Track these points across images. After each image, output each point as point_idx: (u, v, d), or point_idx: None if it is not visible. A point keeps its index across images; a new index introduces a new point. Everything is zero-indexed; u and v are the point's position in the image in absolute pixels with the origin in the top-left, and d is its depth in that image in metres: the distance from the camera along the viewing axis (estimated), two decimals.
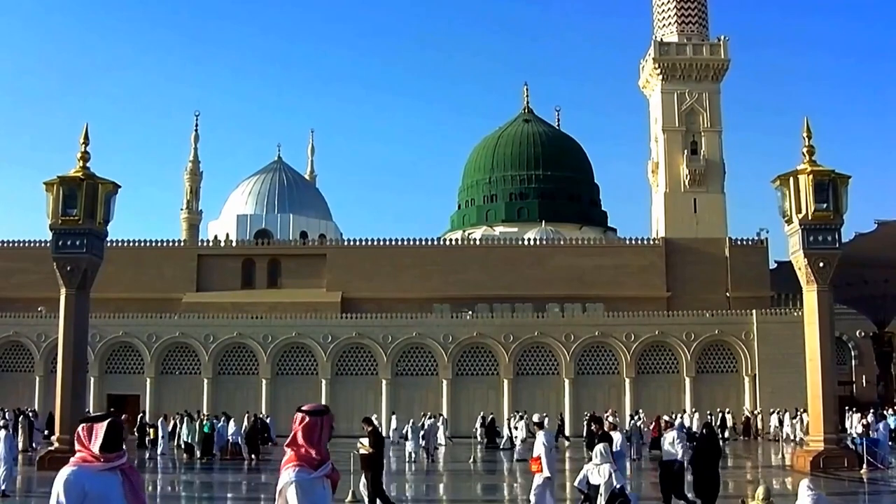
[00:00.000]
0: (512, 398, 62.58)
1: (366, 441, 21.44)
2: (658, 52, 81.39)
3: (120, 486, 6.23)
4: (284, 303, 68.85)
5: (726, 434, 54.30)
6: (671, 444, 21.09)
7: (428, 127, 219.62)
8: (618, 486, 18.40)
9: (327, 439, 6.55)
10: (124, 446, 6.41)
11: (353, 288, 72.47)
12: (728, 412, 58.83)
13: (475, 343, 64.32)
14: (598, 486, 18.91)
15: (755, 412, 60.89)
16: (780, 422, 56.63)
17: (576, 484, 20.31)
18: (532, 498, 18.96)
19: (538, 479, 18.95)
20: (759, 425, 60.47)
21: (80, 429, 6.27)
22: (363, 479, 21.13)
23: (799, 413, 52.39)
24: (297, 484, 6.29)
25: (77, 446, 6.27)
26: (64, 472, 6.14)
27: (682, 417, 50.67)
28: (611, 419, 22.77)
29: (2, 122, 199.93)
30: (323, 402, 61.25)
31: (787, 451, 47.38)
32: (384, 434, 42.81)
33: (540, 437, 19.49)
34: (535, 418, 20.33)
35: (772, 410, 58.80)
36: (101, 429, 6.21)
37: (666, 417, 37.58)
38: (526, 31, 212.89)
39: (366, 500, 20.92)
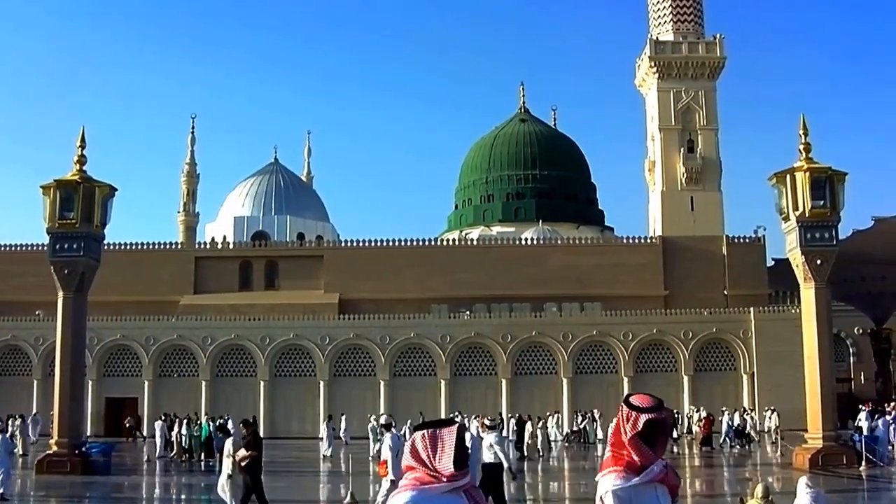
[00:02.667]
0: (510, 398, 62.60)
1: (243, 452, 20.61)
2: (654, 50, 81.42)
3: None
4: (282, 304, 68.77)
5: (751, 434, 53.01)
6: (489, 447, 19.68)
7: (424, 127, 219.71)
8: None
9: (664, 439, 5.66)
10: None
11: (350, 289, 72.43)
12: (748, 412, 57.46)
13: (473, 343, 64.33)
14: None
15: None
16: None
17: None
18: (379, 501, 18.88)
19: (385, 483, 18.85)
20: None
21: (416, 438, 5.00)
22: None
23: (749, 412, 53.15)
24: (614, 493, 5.45)
25: (411, 461, 4.98)
26: (401, 500, 4.86)
27: (730, 415, 51.05)
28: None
29: None
30: (322, 404, 61.41)
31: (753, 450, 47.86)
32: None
33: (386, 439, 19.33)
34: (383, 420, 20.01)
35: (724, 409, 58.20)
36: (448, 438, 4.94)
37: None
38: (522, 31, 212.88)
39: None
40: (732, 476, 36.33)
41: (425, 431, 4.96)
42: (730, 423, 50.34)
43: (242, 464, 19.94)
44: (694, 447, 48.74)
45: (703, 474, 37.68)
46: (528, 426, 44.24)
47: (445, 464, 4.85)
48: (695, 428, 54.77)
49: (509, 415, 53.61)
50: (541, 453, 42.86)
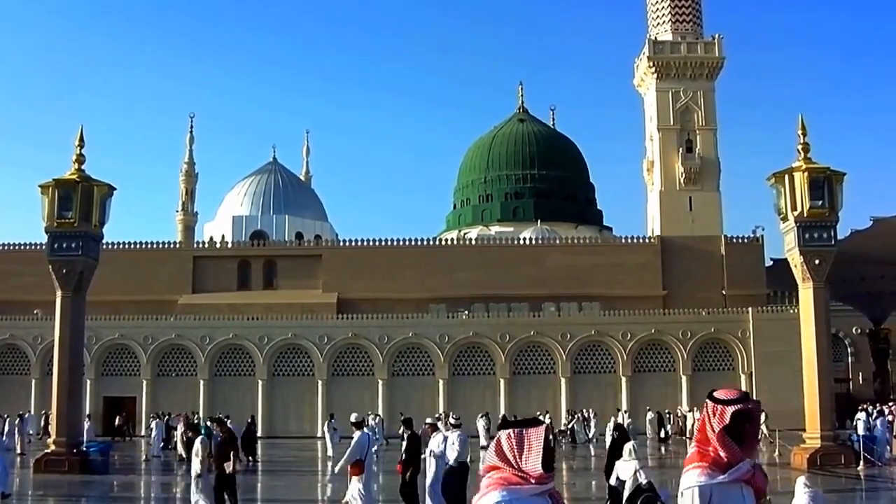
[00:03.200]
0: (508, 398, 62.60)
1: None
2: (652, 50, 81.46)
3: None
4: (280, 304, 68.77)
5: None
6: (451, 445, 19.61)
7: (423, 127, 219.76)
8: (645, 482, 18.26)
9: (753, 435, 5.36)
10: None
11: (348, 288, 72.43)
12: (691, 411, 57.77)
13: (471, 343, 64.32)
14: (624, 482, 18.84)
15: (690, 411, 60.41)
16: None
17: (610, 482, 20.15)
18: (349, 499, 18.87)
19: (355, 481, 18.86)
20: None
21: (501, 437, 4.86)
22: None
23: None
24: (697, 490, 5.24)
25: (496, 460, 4.81)
26: (490, 500, 4.71)
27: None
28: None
29: None
30: (320, 404, 61.42)
31: None
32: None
33: (355, 437, 19.35)
34: (353, 418, 19.92)
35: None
36: (535, 438, 4.79)
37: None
38: (521, 31, 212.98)
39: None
40: None
41: (511, 431, 4.83)
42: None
43: (230, 470, 19.88)
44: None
45: None
46: None
47: (534, 465, 4.73)
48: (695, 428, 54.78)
49: (489, 413, 53.48)
50: None
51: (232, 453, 19.98)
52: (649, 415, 57.65)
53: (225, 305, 69.01)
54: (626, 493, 18.37)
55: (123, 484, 32.36)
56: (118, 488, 30.86)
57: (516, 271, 72.41)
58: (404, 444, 21.04)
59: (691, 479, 5.26)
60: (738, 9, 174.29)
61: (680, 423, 58.80)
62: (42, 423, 57.03)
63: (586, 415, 57.34)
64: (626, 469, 18.58)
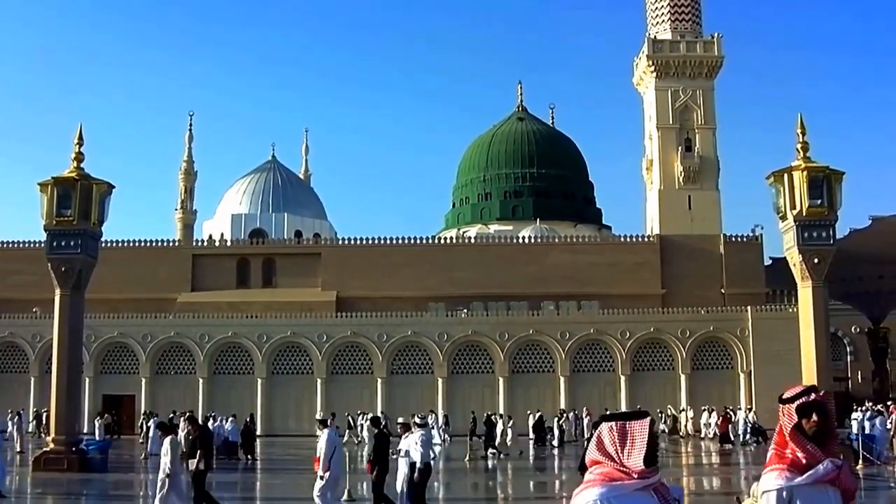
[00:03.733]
0: (508, 396, 62.60)
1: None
2: (652, 49, 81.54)
3: None
4: (279, 302, 68.78)
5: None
6: (413, 447, 19.63)
7: (422, 125, 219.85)
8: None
9: (830, 431, 5.11)
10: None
11: (347, 287, 72.42)
12: (750, 410, 57.48)
13: (470, 341, 64.32)
14: None
15: (682, 411, 60.36)
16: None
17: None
18: (315, 497, 18.91)
19: (318, 481, 18.92)
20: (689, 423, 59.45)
21: (603, 430, 4.65)
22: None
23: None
24: (774, 493, 5.02)
25: (598, 455, 4.62)
26: (590, 496, 4.50)
27: (746, 412, 51.88)
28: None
29: None
30: (319, 402, 61.43)
31: (713, 449, 47.74)
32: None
33: (323, 435, 19.37)
34: (318, 416, 19.93)
35: (703, 408, 58.23)
36: (639, 432, 4.57)
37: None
38: (520, 29, 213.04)
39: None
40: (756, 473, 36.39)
41: (613, 424, 4.60)
42: (747, 419, 50.95)
43: (194, 468, 19.81)
44: (688, 444, 48.75)
45: (722, 471, 37.74)
46: (500, 424, 44.53)
47: (636, 460, 4.51)
48: (703, 427, 55.17)
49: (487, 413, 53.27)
50: (507, 452, 42.76)
51: (199, 452, 19.85)
52: None
53: (224, 304, 69.01)
54: None
55: (122, 482, 32.35)
56: (117, 486, 30.85)
57: (515, 270, 72.41)
58: (371, 443, 21.18)
59: (769, 482, 5.06)
60: (738, 8, 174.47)
61: (669, 423, 58.65)
62: (33, 420, 57.15)
63: (577, 414, 57.08)
64: None
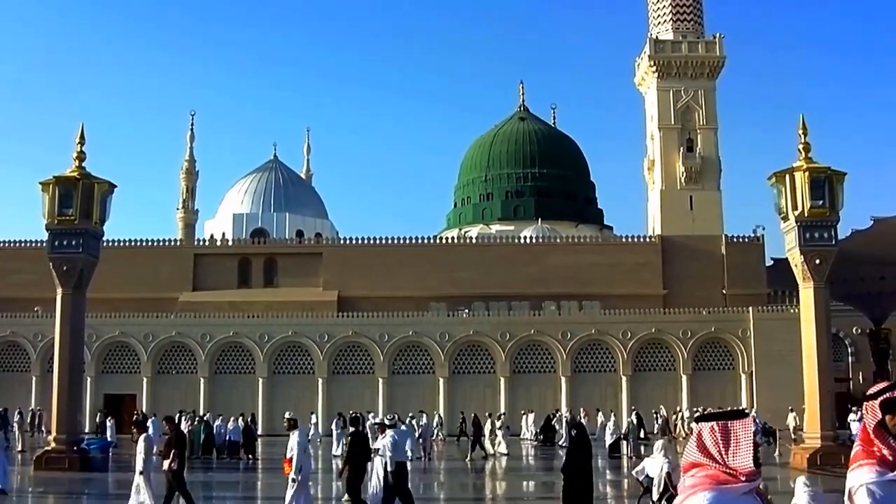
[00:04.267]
0: (509, 396, 62.62)
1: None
2: (653, 49, 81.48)
3: None
4: (281, 302, 68.80)
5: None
6: (384, 447, 19.88)
7: (424, 125, 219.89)
8: (668, 479, 18.17)
9: None
10: None
11: (349, 287, 72.44)
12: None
13: (472, 341, 64.33)
14: (653, 479, 18.95)
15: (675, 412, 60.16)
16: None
17: (633, 473, 20.26)
18: (287, 501, 18.86)
19: (290, 484, 18.84)
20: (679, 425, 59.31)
21: (703, 430, 4.45)
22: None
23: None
24: (867, 488, 4.82)
25: (699, 456, 4.42)
26: (700, 501, 4.27)
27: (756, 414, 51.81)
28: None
29: None
30: (320, 402, 61.43)
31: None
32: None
33: (293, 437, 19.27)
34: (287, 415, 19.87)
35: (694, 410, 57.97)
36: (743, 432, 4.40)
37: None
38: (521, 29, 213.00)
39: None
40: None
41: (714, 424, 4.38)
42: (756, 420, 50.99)
43: (167, 467, 19.77)
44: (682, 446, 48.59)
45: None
46: (488, 425, 44.55)
47: (743, 461, 4.30)
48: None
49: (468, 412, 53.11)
50: (493, 452, 42.68)
51: (173, 452, 19.85)
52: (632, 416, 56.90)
53: (225, 303, 69.06)
54: (655, 490, 18.51)
55: (123, 481, 32.31)
56: (118, 486, 30.83)
57: (517, 270, 72.41)
58: (348, 440, 21.16)
59: (859, 476, 4.81)
60: (740, 8, 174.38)
61: (661, 423, 58.43)
62: (28, 418, 57.07)
63: (571, 415, 56.91)
64: (654, 465, 18.74)
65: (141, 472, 19.47)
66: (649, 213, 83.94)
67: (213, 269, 74.51)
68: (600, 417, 53.85)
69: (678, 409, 60.27)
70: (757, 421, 51.19)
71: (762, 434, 50.41)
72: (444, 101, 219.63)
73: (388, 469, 19.68)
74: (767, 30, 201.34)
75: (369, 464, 20.73)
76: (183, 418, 44.45)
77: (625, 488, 31.26)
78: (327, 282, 73.37)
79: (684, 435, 55.33)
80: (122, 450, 45.25)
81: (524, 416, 55.93)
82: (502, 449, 42.00)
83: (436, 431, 51.08)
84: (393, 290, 70.80)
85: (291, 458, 18.78)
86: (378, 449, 20.17)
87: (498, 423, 43.75)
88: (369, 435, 22.15)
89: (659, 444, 19.63)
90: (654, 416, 56.00)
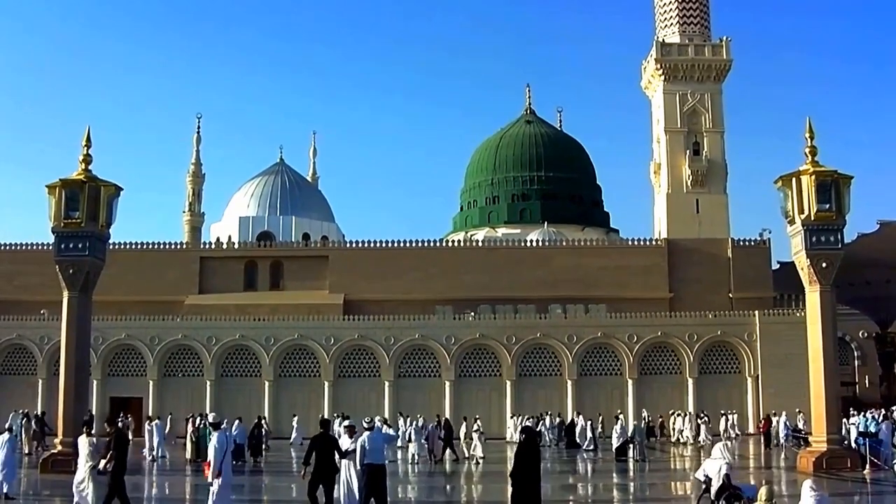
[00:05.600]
0: (515, 399, 62.58)
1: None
2: (660, 52, 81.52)
3: None
4: (287, 305, 68.75)
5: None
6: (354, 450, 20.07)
7: (430, 128, 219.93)
8: (726, 480, 19.01)
9: None
10: None
11: (355, 290, 72.43)
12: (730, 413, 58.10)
13: (478, 344, 64.29)
14: (711, 479, 19.49)
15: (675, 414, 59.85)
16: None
17: (695, 476, 20.59)
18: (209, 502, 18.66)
19: (214, 486, 18.76)
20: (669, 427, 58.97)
21: None
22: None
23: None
24: None
25: None
26: None
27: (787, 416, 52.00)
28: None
29: (4, 125, 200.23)
30: (326, 405, 61.45)
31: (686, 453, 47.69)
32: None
33: (214, 438, 19.21)
34: (210, 418, 19.81)
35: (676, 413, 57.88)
36: None
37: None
38: (528, 33, 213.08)
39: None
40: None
41: None
42: (787, 423, 51.09)
43: (102, 467, 19.71)
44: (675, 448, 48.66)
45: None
46: (463, 427, 44.50)
47: None
48: (677, 432, 54.79)
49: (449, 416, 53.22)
50: (468, 456, 42.59)
51: (111, 454, 19.76)
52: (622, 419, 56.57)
53: (231, 306, 69.06)
54: (713, 490, 19.17)
55: (129, 484, 32.33)
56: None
57: (523, 273, 72.36)
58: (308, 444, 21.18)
59: None
60: (746, 12, 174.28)
61: (657, 427, 58.29)
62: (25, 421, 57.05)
63: (557, 419, 56.68)
64: (713, 466, 19.34)
65: (101, 471, 19.44)
66: (655, 216, 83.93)
67: (220, 272, 74.56)
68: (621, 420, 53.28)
69: (702, 413, 59.22)
70: (787, 425, 51.36)
71: (791, 437, 50.45)
72: (451, 104, 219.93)
73: (358, 469, 19.74)
74: (774, 33, 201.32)
75: (342, 467, 20.68)
76: (190, 421, 44.41)
77: (631, 492, 31.30)
78: (333, 285, 73.36)
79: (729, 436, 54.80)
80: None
81: (512, 419, 56.44)
82: (478, 452, 41.79)
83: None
84: (399, 294, 70.80)
85: (210, 462, 18.55)
86: (349, 451, 20.14)
87: (474, 427, 43.46)
88: (340, 437, 22.01)
89: (718, 446, 20.26)
90: (723, 415, 56.02)
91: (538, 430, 54.63)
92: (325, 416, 23.58)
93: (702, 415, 56.83)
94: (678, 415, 56.89)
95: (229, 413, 49.30)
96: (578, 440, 51.50)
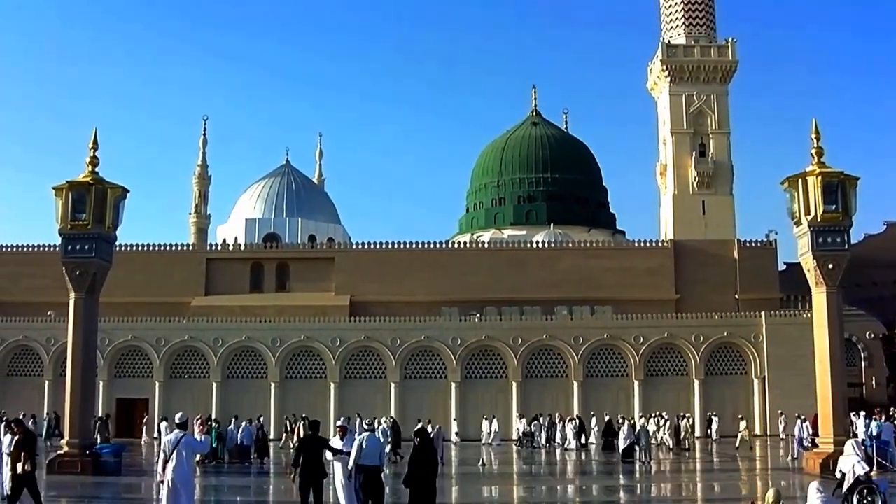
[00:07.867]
0: (521, 401, 62.57)
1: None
2: (666, 53, 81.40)
3: None
4: (293, 306, 68.76)
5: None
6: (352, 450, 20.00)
7: (436, 130, 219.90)
8: (862, 474, 19.56)
9: None
10: None
11: (361, 291, 72.46)
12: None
13: (484, 346, 64.30)
14: (845, 474, 19.95)
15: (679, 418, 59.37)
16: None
17: (836, 474, 20.90)
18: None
19: (163, 487, 18.69)
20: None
21: None
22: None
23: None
24: None
25: None
26: None
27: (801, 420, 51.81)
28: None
29: (11, 127, 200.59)
30: (332, 406, 61.45)
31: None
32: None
33: (168, 437, 19.17)
34: (178, 419, 19.74)
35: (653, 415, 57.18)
36: None
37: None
38: (534, 34, 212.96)
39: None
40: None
41: None
42: (806, 426, 51.12)
43: (21, 470, 19.67)
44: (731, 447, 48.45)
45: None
46: (484, 426, 44.39)
47: None
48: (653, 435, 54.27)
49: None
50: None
51: (24, 454, 19.72)
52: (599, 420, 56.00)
53: (237, 308, 69.15)
54: (845, 484, 19.81)
55: (136, 485, 32.40)
56: (130, 490, 30.90)
57: (529, 275, 72.35)
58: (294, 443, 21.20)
59: None
60: (752, 13, 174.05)
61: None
62: (30, 424, 57.06)
63: (553, 419, 56.46)
64: (847, 463, 20.03)
65: (21, 473, 19.44)
66: (662, 217, 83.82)
67: (226, 273, 74.63)
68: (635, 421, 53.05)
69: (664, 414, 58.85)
70: (807, 424, 51.23)
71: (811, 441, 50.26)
72: (457, 106, 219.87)
73: (347, 469, 19.74)
74: (780, 34, 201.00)
75: (332, 468, 20.65)
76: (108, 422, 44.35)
77: (637, 493, 31.28)
78: (339, 286, 73.39)
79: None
80: (133, 453, 45.49)
81: (488, 421, 57.02)
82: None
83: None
84: (405, 295, 70.80)
85: (167, 462, 18.41)
86: (341, 451, 20.13)
87: (454, 429, 43.18)
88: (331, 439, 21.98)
89: (850, 443, 21.05)
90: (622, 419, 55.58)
91: (531, 431, 54.63)
92: (314, 419, 23.49)
93: (710, 416, 56.73)
94: (652, 417, 56.19)
95: (239, 414, 49.30)
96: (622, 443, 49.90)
